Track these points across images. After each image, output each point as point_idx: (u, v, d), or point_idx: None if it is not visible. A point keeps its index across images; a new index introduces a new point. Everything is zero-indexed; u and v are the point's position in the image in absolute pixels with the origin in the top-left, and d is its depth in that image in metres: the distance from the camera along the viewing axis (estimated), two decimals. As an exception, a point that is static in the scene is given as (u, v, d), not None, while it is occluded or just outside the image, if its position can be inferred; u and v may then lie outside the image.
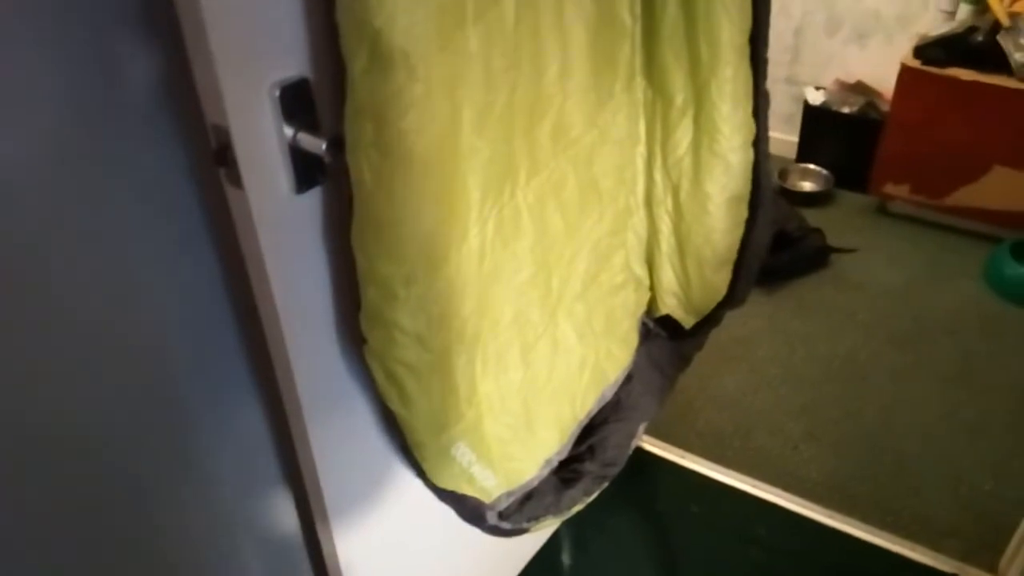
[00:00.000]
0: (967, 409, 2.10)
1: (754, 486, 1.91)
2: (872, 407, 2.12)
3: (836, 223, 2.81)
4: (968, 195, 2.65)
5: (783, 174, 3.03)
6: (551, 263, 1.09)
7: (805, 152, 3.08)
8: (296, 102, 0.79)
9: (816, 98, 2.98)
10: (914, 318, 2.43)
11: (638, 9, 1.10)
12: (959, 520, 1.82)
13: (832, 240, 2.68)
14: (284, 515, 1.12)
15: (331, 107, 0.81)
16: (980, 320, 2.42)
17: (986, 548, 1.73)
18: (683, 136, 1.20)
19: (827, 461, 1.97)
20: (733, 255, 1.31)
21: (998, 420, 2.06)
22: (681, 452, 2.00)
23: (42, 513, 0.80)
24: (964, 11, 2.60)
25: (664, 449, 2.01)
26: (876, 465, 1.96)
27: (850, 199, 2.98)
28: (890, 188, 2.79)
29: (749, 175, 1.24)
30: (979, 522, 1.81)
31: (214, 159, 0.78)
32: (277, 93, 0.77)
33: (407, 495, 1.18)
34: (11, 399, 0.74)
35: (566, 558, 1.77)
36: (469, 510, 1.15)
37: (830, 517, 1.83)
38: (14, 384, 0.74)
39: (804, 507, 1.86)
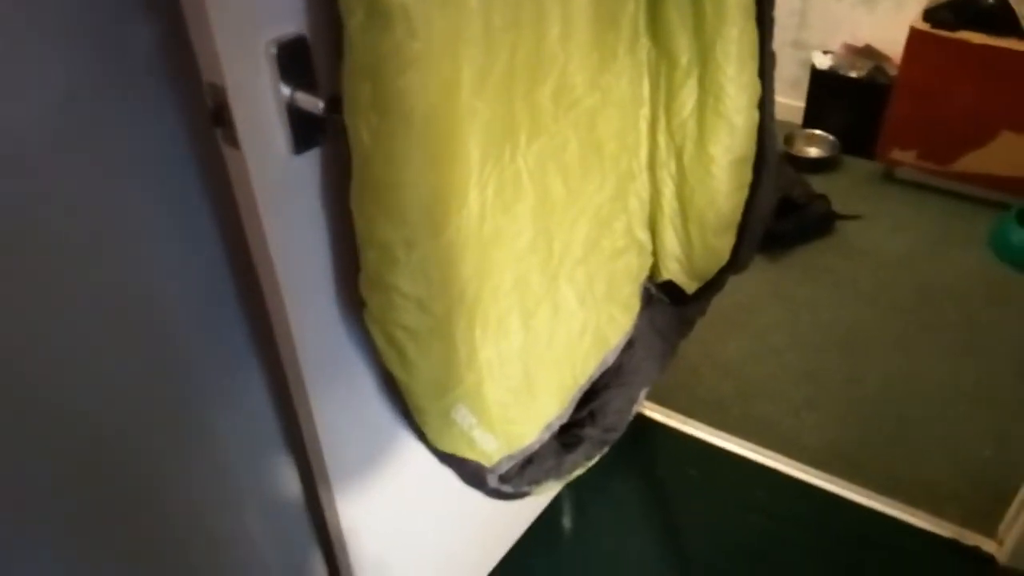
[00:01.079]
0: (969, 376, 2.10)
1: (755, 452, 1.92)
2: (875, 374, 2.12)
3: (842, 189, 2.79)
4: (975, 161, 2.63)
5: (789, 139, 3.00)
6: (552, 228, 1.08)
7: (811, 117, 3.05)
8: (293, 60, 0.78)
9: (823, 62, 2.94)
10: (919, 285, 2.42)
11: (643, -33, 1.08)
12: (959, 486, 1.82)
13: (837, 207, 2.66)
14: (287, 479, 1.12)
15: (329, 66, 0.80)
16: (985, 287, 2.41)
17: (985, 514, 1.74)
18: (688, 97, 1.18)
19: (829, 428, 1.97)
20: (737, 219, 1.30)
21: (1000, 387, 2.06)
22: (682, 418, 2.01)
23: (48, 479, 0.81)
24: (976, -27, 2.55)
25: (665, 415, 2.01)
26: (878, 432, 1.96)
27: (856, 165, 2.95)
28: (897, 154, 2.76)
29: (754, 137, 1.22)
30: (979, 488, 1.81)
31: (211, 118, 0.77)
32: (274, 51, 0.76)
33: (409, 459, 1.19)
34: (12, 369, 0.74)
35: (567, 522, 1.79)
36: (470, 473, 1.15)
37: (831, 482, 1.84)
38: (14, 354, 0.73)
39: (805, 472, 1.87)
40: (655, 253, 1.37)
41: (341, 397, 1.02)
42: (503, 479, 1.21)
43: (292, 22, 0.77)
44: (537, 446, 1.23)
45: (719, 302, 1.49)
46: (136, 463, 0.89)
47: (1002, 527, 1.69)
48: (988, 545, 1.69)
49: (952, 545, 1.70)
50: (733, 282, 1.44)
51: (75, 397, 0.80)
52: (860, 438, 1.94)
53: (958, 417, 1.99)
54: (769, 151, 1.24)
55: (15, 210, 0.70)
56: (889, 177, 2.88)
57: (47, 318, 0.75)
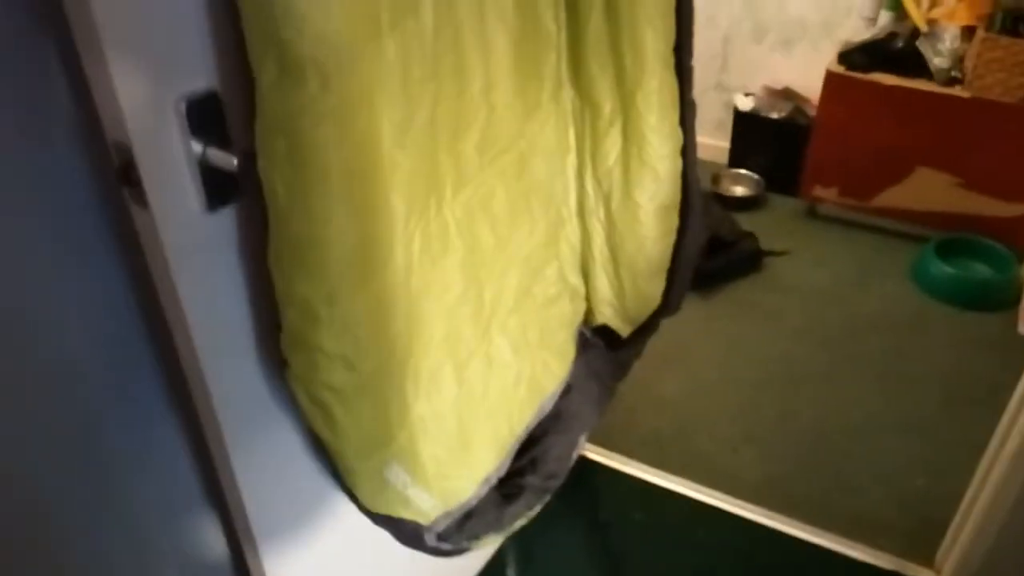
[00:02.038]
0: (899, 406, 2.15)
1: (695, 490, 1.92)
2: (807, 407, 2.15)
3: (768, 226, 2.86)
4: (894, 196, 2.72)
5: (715, 179, 3.07)
6: (482, 277, 1.06)
7: (736, 157, 3.13)
8: (204, 116, 0.75)
9: (745, 104, 3.03)
10: (845, 318, 2.48)
11: (563, 17, 1.09)
12: (895, 516, 1.85)
13: (765, 243, 2.72)
14: (211, 540, 1.06)
15: (243, 120, 0.77)
16: (908, 318, 2.48)
17: (923, 543, 1.76)
18: (612, 146, 1.19)
19: (765, 462, 1.99)
20: (666, 263, 1.31)
21: (928, 416, 2.11)
22: (623, 458, 2.00)
23: None
24: (885, 17, 2.68)
25: (606, 456, 2.00)
26: (813, 465, 1.98)
27: (781, 203, 3.03)
28: (819, 191, 2.85)
29: (679, 183, 1.23)
30: (915, 517, 1.84)
31: (117, 178, 0.74)
32: (183, 107, 0.73)
33: (341, 516, 1.14)
34: None
35: (511, 573, 1.75)
36: (406, 533, 1.11)
37: (770, 518, 1.85)
38: None
39: (744, 509, 1.87)
40: (588, 298, 1.37)
41: (265, 457, 0.98)
42: (441, 537, 1.18)
43: (202, 77, 0.75)
44: (475, 501, 1.20)
45: (654, 340, 1.49)
46: (44, 526, 0.84)
47: (939, 555, 1.71)
48: (926, 574, 1.71)
49: (892, 576, 1.72)
50: (667, 319, 1.44)
51: None
52: (796, 472, 1.96)
53: (890, 447, 2.02)
54: (693, 196, 1.25)
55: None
56: (813, 214, 2.96)
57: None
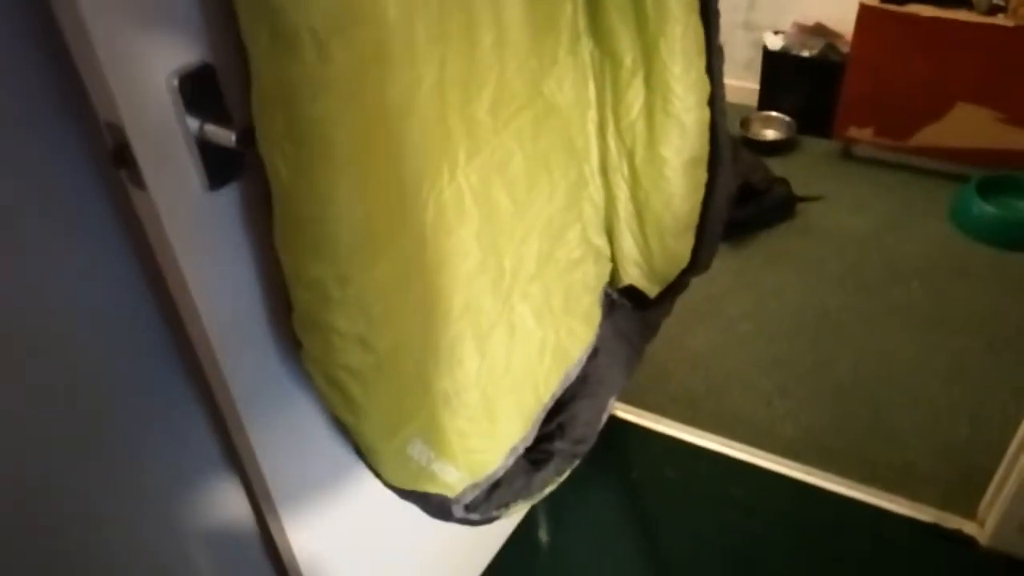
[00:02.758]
0: (940, 354, 2.08)
1: (730, 447, 1.89)
2: (845, 358, 2.09)
3: (801, 171, 2.77)
4: (932, 134, 2.61)
5: (745, 123, 2.97)
6: (501, 246, 1.02)
7: (766, 99, 3.02)
8: (200, 91, 0.71)
9: (775, 43, 2.91)
10: (883, 263, 2.40)
11: (578, -36, 1.03)
12: (936, 468, 1.80)
13: (798, 189, 2.64)
14: (236, 511, 1.06)
15: (241, 94, 0.73)
16: (949, 261, 2.40)
17: (964, 495, 1.72)
18: (635, 98, 1.13)
19: (801, 416, 1.95)
20: (694, 220, 1.25)
21: (971, 363, 2.05)
22: (655, 417, 1.97)
23: None
24: (922, -55, 2.53)
25: (637, 415, 1.97)
26: (851, 417, 1.93)
27: (814, 145, 2.93)
28: (854, 132, 2.75)
29: (706, 136, 1.17)
30: (956, 469, 1.79)
31: (112, 160, 0.71)
32: (176, 83, 0.69)
33: (366, 489, 1.12)
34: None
35: (543, 535, 1.74)
36: (434, 506, 1.10)
37: (808, 473, 1.81)
38: None
39: (780, 464, 1.84)
40: (614, 258, 1.32)
41: (284, 432, 0.97)
42: (469, 508, 1.16)
43: (195, 50, 0.70)
44: (503, 471, 1.18)
45: (684, 294, 1.44)
46: (66, 507, 0.83)
47: (982, 508, 1.67)
48: (969, 527, 1.67)
49: (933, 529, 1.68)
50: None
51: None
52: (834, 425, 1.92)
53: (931, 397, 1.97)
54: (723, 149, 1.19)
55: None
56: (847, 155, 2.86)
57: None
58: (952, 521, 1.69)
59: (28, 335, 0.74)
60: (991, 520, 1.62)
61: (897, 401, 1.96)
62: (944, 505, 1.72)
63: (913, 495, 1.74)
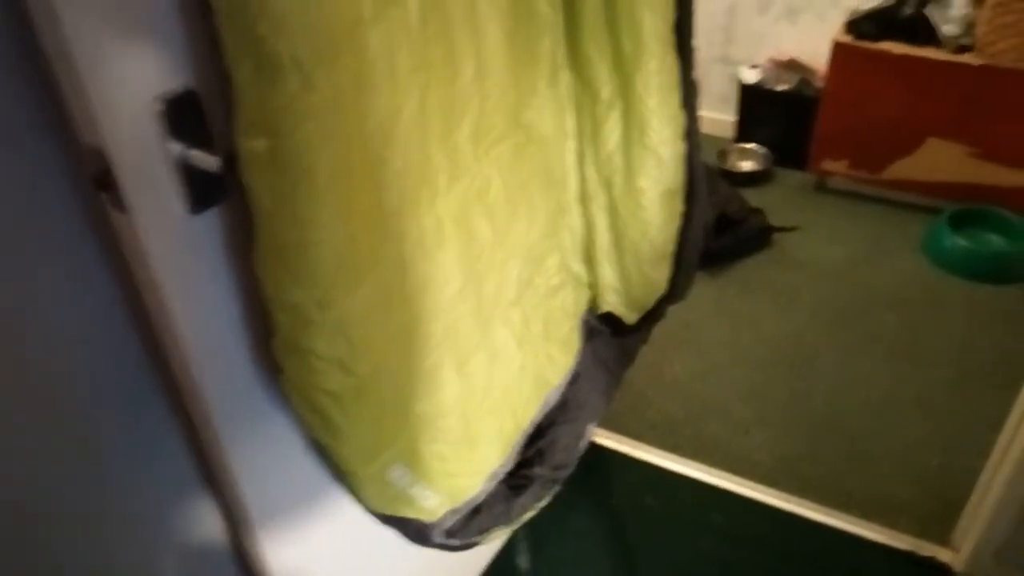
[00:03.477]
0: (912, 383, 2.11)
1: (708, 473, 1.90)
2: (820, 386, 2.12)
3: (777, 202, 2.81)
4: (905, 168, 2.67)
5: (722, 155, 3.02)
6: (481, 271, 1.03)
7: (743, 131, 3.07)
8: (183, 116, 0.72)
9: (751, 77, 2.96)
10: (857, 294, 2.43)
11: (558, -1, 1.05)
12: (911, 496, 1.82)
13: (773, 219, 2.67)
14: (211, 531, 1.05)
15: (224, 119, 0.74)
16: (922, 292, 2.43)
17: (939, 522, 1.73)
18: (612, 130, 1.15)
19: (778, 444, 1.96)
20: (671, 249, 1.28)
21: (943, 392, 2.08)
22: (634, 443, 1.97)
23: None
24: (892, -16, 2.60)
25: (617, 441, 1.98)
26: (827, 445, 1.95)
27: (789, 177, 2.98)
28: (828, 164, 2.80)
29: (682, 168, 1.20)
30: (930, 497, 1.81)
31: (94, 183, 0.71)
32: (160, 107, 0.70)
33: (344, 512, 1.12)
34: None
35: (523, 562, 1.73)
36: (413, 532, 1.10)
37: (785, 500, 1.82)
38: None
39: (758, 491, 1.85)
40: (593, 286, 1.34)
41: (263, 452, 0.96)
42: (449, 533, 1.16)
43: (179, 75, 0.71)
44: (483, 496, 1.18)
45: (662, 321, 1.45)
46: (41, 526, 0.83)
47: (956, 535, 1.69)
48: (944, 554, 1.69)
49: (908, 557, 1.70)
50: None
51: None
52: (810, 453, 1.93)
53: (904, 426, 1.99)
54: (698, 181, 1.21)
55: None
56: (822, 187, 2.91)
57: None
58: (927, 548, 1.70)
59: (3, 357, 0.74)
60: (966, 547, 1.64)
61: (872, 430, 1.98)
62: (919, 532, 1.73)
63: (889, 522, 1.76)
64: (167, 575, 1.00)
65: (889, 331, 2.29)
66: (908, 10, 2.50)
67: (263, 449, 0.96)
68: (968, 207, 2.58)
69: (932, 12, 2.46)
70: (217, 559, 1.07)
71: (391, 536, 1.13)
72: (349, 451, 0.91)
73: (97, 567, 0.90)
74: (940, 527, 1.72)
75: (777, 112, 2.96)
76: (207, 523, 1.03)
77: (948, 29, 2.43)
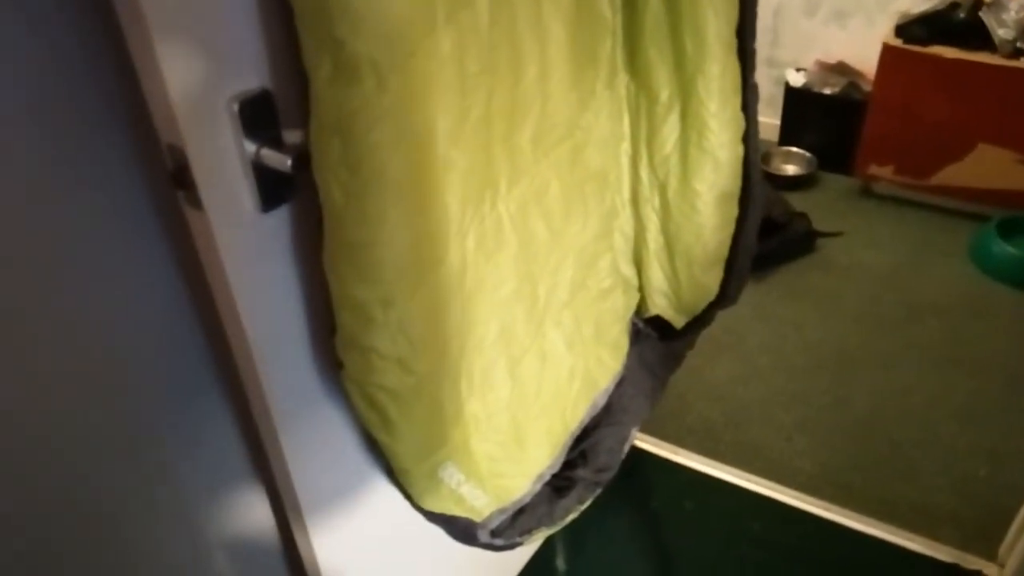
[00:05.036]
0: (959, 393, 2.08)
1: (748, 480, 1.88)
2: (864, 394, 2.09)
3: (821, 206, 2.78)
4: (953, 174, 2.63)
5: (766, 158, 2.99)
6: (536, 273, 1.04)
7: (788, 134, 3.05)
8: (258, 116, 0.73)
9: (797, 80, 2.94)
10: (902, 301, 2.40)
11: (619, 1, 1.05)
12: (956, 508, 1.79)
13: (818, 224, 2.65)
14: (261, 520, 1.07)
15: (297, 120, 0.76)
16: (968, 301, 2.40)
17: (985, 536, 1.71)
18: (670, 133, 1.15)
19: (820, 451, 1.94)
20: (724, 253, 1.27)
21: (990, 403, 2.04)
22: (673, 448, 1.97)
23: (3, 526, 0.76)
24: (945, -13, 2.56)
25: (656, 445, 1.97)
26: (870, 454, 1.93)
27: (834, 181, 2.95)
28: (874, 169, 2.76)
29: (739, 172, 1.19)
30: (976, 509, 1.78)
31: (171, 181, 0.73)
32: (236, 107, 0.71)
33: (393, 507, 1.13)
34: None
35: (561, 563, 1.74)
36: (460, 530, 1.10)
37: (825, 509, 1.81)
38: None
39: (799, 500, 1.83)
40: (642, 288, 1.34)
41: (317, 450, 0.97)
42: (494, 533, 1.16)
43: (255, 76, 0.73)
44: (529, 497, 1.19)
45: (704, 325, 1.45)
46: (94, 499, 0.84)
47: (1003, 549, 1.66)
48: (989, 569, 1.66)
49: (952, 570, 1.67)
50: (721, 310, 1.40)
51: (39, 442, 0.76)
52: (852, 461, 1.91)
53: (950, 436, 1.96)
54: (755, 185, 1.20)
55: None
56: (867, 192, 2.88)
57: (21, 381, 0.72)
58: (972, 562, 1.68)
59: (79, 339, 0.76)
60: (1012, 562, 1.61)
61: (916, 439, 1.96)
62: (964, 545, 1.71)
63: (932, 534, 1.73)
64: (215, 562, 1.02)
65: (934, 339, 2.26)
66: (961, 14, 2.46)
67: (317, 442, 0.97)
68: (1017, 214, 2.54)
69: (987, 16, 2.42)
70: (264, 548, 1.09)
71: (437, 532, 1.14)
72: (404, 449, 0.92)
73: (146, 551, 0.92)
74: (985, 540, 1.69)
75: (823, 115, 2.93)
76: (256, 512, 1.05)
77: (1003, 33, 2.38)
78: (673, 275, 1.29)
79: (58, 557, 0.82)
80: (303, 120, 0.73)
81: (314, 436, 0.96)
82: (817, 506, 1.81)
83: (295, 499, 0.99)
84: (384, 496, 1.11)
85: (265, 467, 0.98)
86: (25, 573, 0.80)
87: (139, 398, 0.84)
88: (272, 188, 0.77)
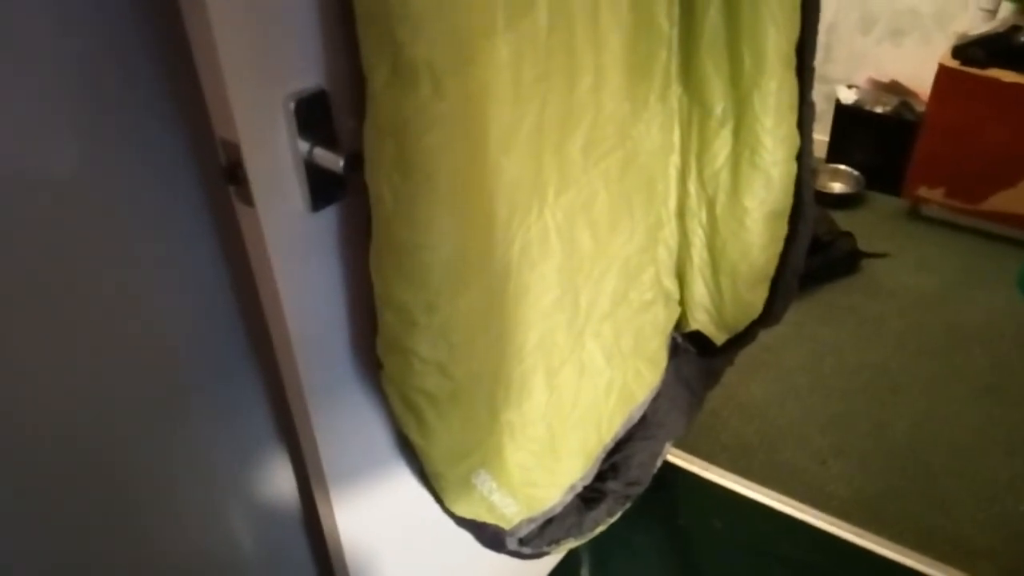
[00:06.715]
0: (1002, 424, 2.02)
1: (780, 501, 1.85)
2: (903, 420, 2.05)
3: (867, 226, 2.73)
4: (1005, 200, 2.57)
5: (812, 174, 2.94)
6: (578, 283, 1.03)
7: (836, 152, 3.00)
8: (313, 115, 0.74)
9: (848, 97, 2.89)
10: (947, 327, 2.35)
11: (676, 13, 1.04)
12: (993, 541, 1.75)
13: (863, 244, 2.60)
14: (285, 492, 1.07)
15: (350, 120, 0.76)
16: (1015, 329, 2.33)
17: (1021, 574, 1.66)
18: (721, 147, 1.13)
19: (856, 477, 1.90)
20: (771, 271, 1.25)
21: (1035, 437, 1.99)
22: (705, 464, 1.94)
23: (39, 492, 0.78)
24: (1006, 9, 2.51)
25: (688, 461, 1.95)
26: (907, 481, 1.89)
27: (882, 201, 2.89)
28: (924, 191, 2.71)
29: (791, 190, 1.17)
30: (1015, 543, 1.74)
31: (224, 176, 0.73)
32: (292, 106, 0.72)
33: (424, 511, 1.12)
34: (17, 392, 0.72)
35: (585, 574, 1.72)
36: (488, 536, 1.10)
37: (859, 536, 1.77)
38: (21, 379, 0.72)
39: (831, 524, 1.80)
40: (683, 303, 1.32)
41: (352, 450, 0.98)
42: (523, 541, 1.16)
43: (312, 76, 0.73)
44: (559, 508, 1.18)
45: (743, 343, 1.43)
46: (130, 461, 0.86)
47: (1041, 589, 1.62)
48: (1027, 608, 1.62)
49: (988, 607, 1.63)
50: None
51: (73, 419, 0.78)
52: (889, 488, 1.87)
53: (990, 467, 1.91)
54: (807, 204, 1.19)
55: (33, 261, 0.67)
56: (915, 214, 2.82)
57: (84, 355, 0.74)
58: (1008, 600, 1.63)
59: (128, 323, 0.78)
60: (1051, 603, 1.56)
61: (955, 470, 1.91)
62: (1002, 583, 1.66)
63: (968, 568, 1.69)
64: (237, 532, 1.03)
65: (978, 367, 2.20)
66: (1022, 37, 2.40)
67: (353, 447, 0.97)
68: (1071, 245, 2.47)
69: (1049, 40, 2.36)
70: (287, 520, 1.09)
71: (464, 533, 1.13)
72: (438, 452, 0.92)
73: (170, 516, 0.93)
74: (1024, 579, 1.65)
75: (873, 134, 2.88)
76: (281, 484, 1.05)
77: (1065, 59, 2.32)
78: (716, 291, 1.27)
79: (85, 528, 0.84)
80: (357, 121, 0.73)
81: (351, 441, 0.96)
82: (850, 532, 1.78)
83: (321, 471, 0.98)
84: (417, 504, 1.10)
85: (298, 452, 0.98)
86: (64, 524, 0.81)
87: (178, 373, 0.86)
88: (323, 188, 0.77)
